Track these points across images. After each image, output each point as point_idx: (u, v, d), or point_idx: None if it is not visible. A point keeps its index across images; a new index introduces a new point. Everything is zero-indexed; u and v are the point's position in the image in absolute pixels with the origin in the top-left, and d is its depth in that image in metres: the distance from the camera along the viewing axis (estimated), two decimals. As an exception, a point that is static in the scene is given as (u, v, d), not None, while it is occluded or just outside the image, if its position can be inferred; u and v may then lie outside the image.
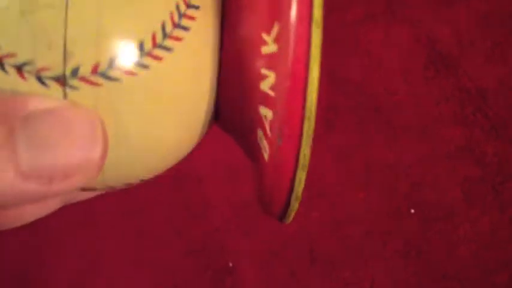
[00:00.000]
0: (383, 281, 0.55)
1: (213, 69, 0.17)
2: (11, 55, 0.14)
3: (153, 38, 0.15)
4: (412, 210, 0.58)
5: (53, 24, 0.14)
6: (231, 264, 0.54)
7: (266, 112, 0.16)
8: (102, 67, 0.14)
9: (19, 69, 0.14)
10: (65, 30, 0.14)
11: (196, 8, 0.16)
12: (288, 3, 0.15)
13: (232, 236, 0.54)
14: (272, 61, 0.15)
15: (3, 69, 0.14)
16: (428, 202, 0.58)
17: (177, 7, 0.15)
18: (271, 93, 0.15)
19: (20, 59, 0.14)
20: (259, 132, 0.16)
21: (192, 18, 0.16)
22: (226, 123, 0.18)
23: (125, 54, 0.14)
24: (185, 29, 0.16)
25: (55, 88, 0.14)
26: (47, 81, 0.14)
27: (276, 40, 0.15)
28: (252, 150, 0.17)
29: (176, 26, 0.15)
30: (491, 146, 0.61)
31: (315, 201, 0.57)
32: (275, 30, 0.15)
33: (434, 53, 0.67)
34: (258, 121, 0.16)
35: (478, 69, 0.66)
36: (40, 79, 0.14)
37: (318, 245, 0.56)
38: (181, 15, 0.15)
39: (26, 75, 0.14)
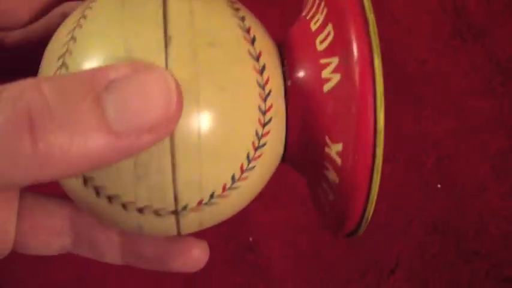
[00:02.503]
0: (409, 258, 0.53)
1: (283, 132, 0.19)
2: (131, 202, 0.18)
3: (241, 167, 0.18)
4: (439, 185, 0.55)
5: (164, 185, 0.17)
6: (251, 239, 0.52)
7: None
8: (205, 201, 0.18)
9: (140, 210, 0.18)
10: (174, 188, 0.17)
11: (269, 121, 0.18)
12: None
13: (253, 209, 0.52)
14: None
15: (126, 209, 0.18)
16: (457, 177, 0.56)
17: (256, 133, 0.18)
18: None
19: (138, 204, 0.18)
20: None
21: (267, 133, 0.18)
22: (293, 165, 0.21)
23: (221, 187, 0.18)
24: (263, 145, 0.18)
25: (169, 217, 0.18)
26: (163, 214, 0.18)
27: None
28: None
29: (257, 148, 0.18)
30: (522, 119, 0.59)
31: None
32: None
33: (461, 22, 0.64)
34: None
35: (507, 39, 0.63)
36: (157, 213, 0.18)
37: (342, 220, 0.53)
38: (260, 138, 0.18)
39: (145, 212, 0.18)
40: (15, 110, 0.14)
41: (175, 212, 0.18)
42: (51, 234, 0.22)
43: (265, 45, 0.19)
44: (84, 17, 0.18)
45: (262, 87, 0.18)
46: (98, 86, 0.14)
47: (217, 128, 0.17)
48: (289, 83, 0.19)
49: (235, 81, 0.17)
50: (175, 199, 0.18)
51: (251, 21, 0.19)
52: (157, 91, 0.15)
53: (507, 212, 0.54)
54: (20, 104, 0.14)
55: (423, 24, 0.64)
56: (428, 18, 0.64)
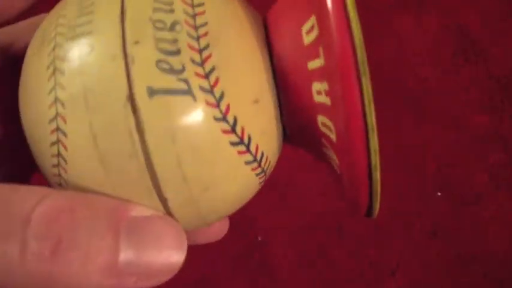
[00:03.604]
0: (409, 261, 0.56)
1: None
2: None
3: None
4: (439, 193, 0.58)
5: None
6: (259, 239, 0.55)
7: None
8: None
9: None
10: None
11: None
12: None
13: (262, 210, 0.55)
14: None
15: None
16: (455, 184, 0.58)
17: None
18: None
19: None
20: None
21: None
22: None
23: None
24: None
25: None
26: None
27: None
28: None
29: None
30: (520, 132, 0.61)
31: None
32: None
33: (464, 40, 0.67)
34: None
35: (508, 57, 0.66)
36: None
37: (346, 223, 0.56)
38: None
39: None
40: (47, 232, 0.14)
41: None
42: None
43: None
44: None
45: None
46: (120, 222, 0.14)
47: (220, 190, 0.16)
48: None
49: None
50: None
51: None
52: (171, 241, 0.15)
53: (503, 219, 0.57)
54: (53, 228, 0.14)
55: (426, 42, 0.67)
56: (432, 36, 0.67)
